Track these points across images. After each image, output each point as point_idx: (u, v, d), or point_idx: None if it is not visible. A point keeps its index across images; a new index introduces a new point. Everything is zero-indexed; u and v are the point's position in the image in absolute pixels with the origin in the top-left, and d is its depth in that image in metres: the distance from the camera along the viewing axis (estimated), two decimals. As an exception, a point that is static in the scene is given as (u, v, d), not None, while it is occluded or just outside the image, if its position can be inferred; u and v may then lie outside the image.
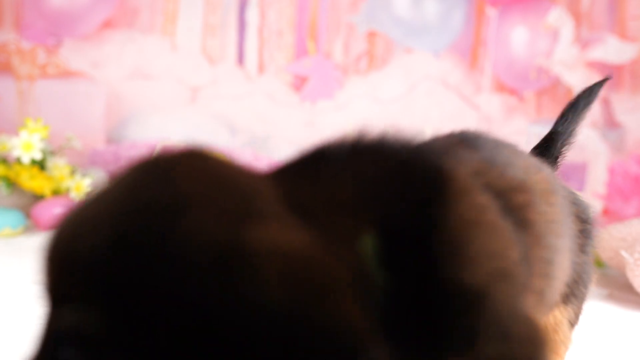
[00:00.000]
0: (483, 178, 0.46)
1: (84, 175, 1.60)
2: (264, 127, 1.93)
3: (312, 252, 0.34)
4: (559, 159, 0.76)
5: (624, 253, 1.11)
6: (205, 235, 0.33)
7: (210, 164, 0.39)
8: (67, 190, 1.53)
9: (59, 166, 1.53)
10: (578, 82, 1.94)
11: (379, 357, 0.34)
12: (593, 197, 1.89)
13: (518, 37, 1.97)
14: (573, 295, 0.63)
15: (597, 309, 1.04)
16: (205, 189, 0.35)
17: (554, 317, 0.63)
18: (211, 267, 0.32)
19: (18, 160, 1.48)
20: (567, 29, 1.94)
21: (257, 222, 0.34)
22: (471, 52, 1.97)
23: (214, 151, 0.41)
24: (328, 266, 0.34)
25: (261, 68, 1.92)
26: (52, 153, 1.57)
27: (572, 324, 0.67)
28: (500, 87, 1.97)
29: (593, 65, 1.94)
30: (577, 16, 1.95)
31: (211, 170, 0.37)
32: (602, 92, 1.92)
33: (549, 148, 0.75)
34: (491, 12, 1.96)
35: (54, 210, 1.46)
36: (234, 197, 0.35)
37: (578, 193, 0.66)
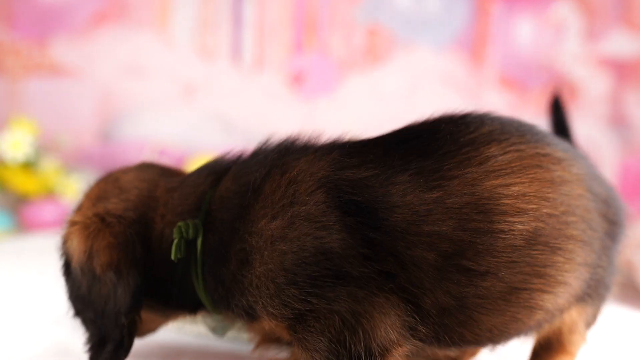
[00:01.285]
0: (330, 178, 0.53)
1: (74, 174, 1.58)
2: (260, 124, 1.92)
3: (97, 220, 0.60)
4: None
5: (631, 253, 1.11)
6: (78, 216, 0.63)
7: (130, 173, 0.65)
8: (57, 191, 1.52)
9: (48, 166, 1.52)
10: (585, 76, 1.93)
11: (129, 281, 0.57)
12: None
13: (523, 31, 1.95)
14: (591, 296, 0.61)
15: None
16: (104, 187, 0.64)
17: (570, 317, 0.61)
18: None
19: (6, 160, 1.47)
20: (574, 22, 1.93)
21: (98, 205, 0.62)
22: (475, 46, 1.96)
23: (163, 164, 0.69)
24: (106, 227, 0.59)
25: (258, 64, 1.91)
26: (42, 152, 1.56)
27: (589, 324, 0.65)
28: (505, 82, 1.96)
29: (601, 59, 1.93)
30: (586, 9, 1.94)
31: (121, 176, 0.65)
32: (612, 88, 1.91)
33: None
34: (495, 5, 1.94)
35: (43, 211, 1.45)
36: (113, 192, 0.63)
37: (613, 191, 0.63)
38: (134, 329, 0.59)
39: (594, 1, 1.93)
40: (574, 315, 0.61)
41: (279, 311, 0.52)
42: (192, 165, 1.58)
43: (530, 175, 0.54)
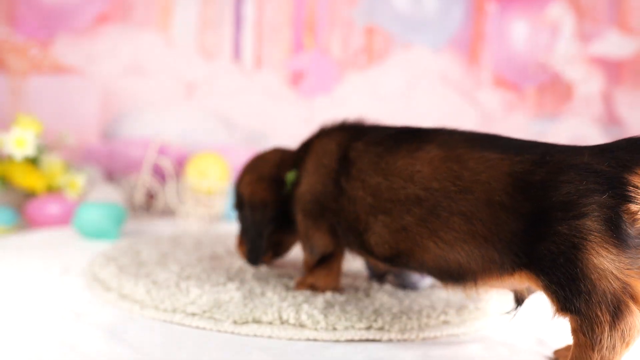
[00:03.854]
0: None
1: (77, 172, 1.59)
2: (261, 123, 1.93)
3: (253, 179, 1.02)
4: None
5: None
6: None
7: (267, 153, 1.10)
8: (61, 187, 1.53)
9: (52, 163, 1.52)
10: (579, 77, 1.94)
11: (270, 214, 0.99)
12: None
13: (518, 32, 1.96)
14: (537, 267, 0.67)
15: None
16: (254, 162, 1.08)
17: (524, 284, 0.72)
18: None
19: (11, 157, 1.47)
20: (568, 23, 1.93)
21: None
22: (471, 47, 1.96)
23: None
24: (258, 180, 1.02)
25: (258, 63, 1.92)
26: (46, 149, 1.56)
27: (555, 300, 0.67)
28: (500, 82, 1.97)
29: (594, 60, 1.94)
30: (579, 10, 1.94)
31: (263, 155, 1.09)
32: (604, 88, 1.94)
33: None
34: (491, 7, 1.95)
35: (47, 208, 1.45)
36: (261, 163, 1.07)
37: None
38: (269, 241, 1.02)
39: (587, 3, 1.94)
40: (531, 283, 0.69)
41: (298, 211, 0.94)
42: (193, 162, 1.60)
43: (434, 164, 0.75)
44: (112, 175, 1.86)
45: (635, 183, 0.63)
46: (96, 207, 1.34)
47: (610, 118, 1.96)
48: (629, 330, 0.61)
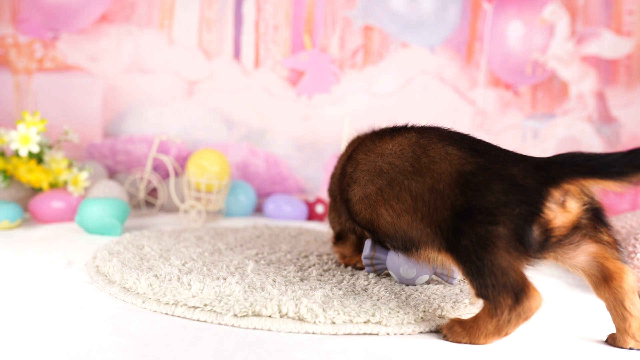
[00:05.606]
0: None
1: (81, 168, 1.59)
2: (260, 121, 1.94)
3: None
4: None
5: (617, 247, 1.12)
6: None
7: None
8: (65, 184, 1.53)
9: (56, 159, 1.53)
10: (573, 76, 1.94)
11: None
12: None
13: (513, 32, 1.97)
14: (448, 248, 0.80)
15: (590, 301, 1.05)
16: None
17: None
18: None
19: (16, 154, 1.48)
20: (562, 23, 1.94)
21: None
22: (467, 46, 1.97)
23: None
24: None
25: (257, 62, 1.92)
26: (50, 146, 1.57)
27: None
28: (496, 82, 1.98)
29: (588, 60, 1.94)
30: (573, 11, 1.95)
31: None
32: (598, 87, 1.94)
33: None
34: (487, 7, 1.96)
35: (51, 204, 1.46)
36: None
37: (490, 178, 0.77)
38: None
39: (581, 4, 1.95)
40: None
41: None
42: (194, 159, 1.61)
43: (403, 145, 0.88)
44: (114, 171, 1.87)
45: (556, 196, 0.74)
46: (99, 202, 1.34)
47: (604, 117, 1.97)
48: (527, 311, 0.72)
